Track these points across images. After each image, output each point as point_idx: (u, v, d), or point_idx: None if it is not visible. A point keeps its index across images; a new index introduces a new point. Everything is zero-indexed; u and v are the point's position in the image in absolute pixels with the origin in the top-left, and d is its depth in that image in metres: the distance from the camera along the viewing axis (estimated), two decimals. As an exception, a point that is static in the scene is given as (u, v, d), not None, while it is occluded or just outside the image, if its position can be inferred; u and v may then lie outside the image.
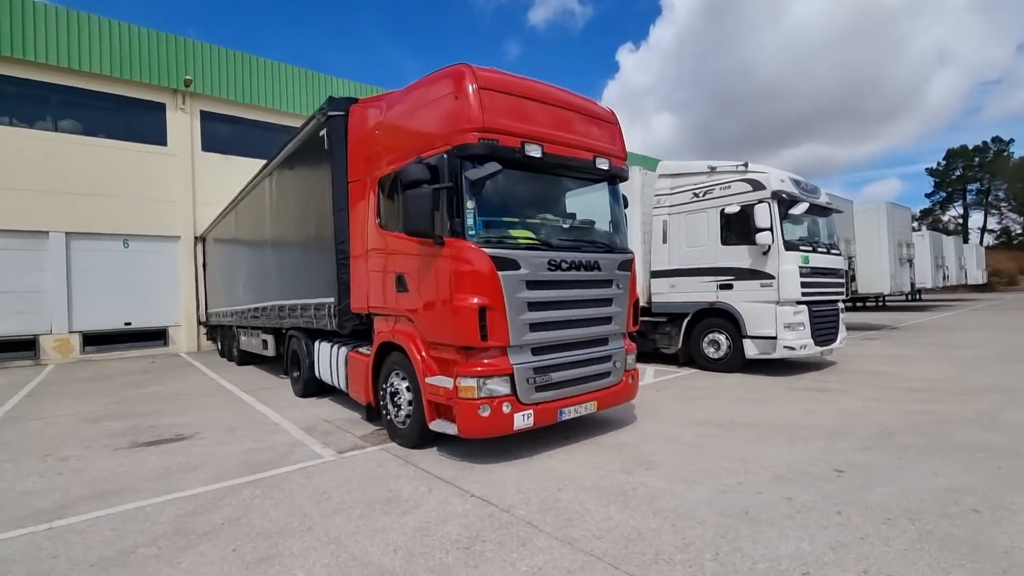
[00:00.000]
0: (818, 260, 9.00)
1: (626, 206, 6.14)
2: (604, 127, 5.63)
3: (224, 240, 14.39)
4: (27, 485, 4.71)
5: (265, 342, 10.64)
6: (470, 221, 4.58)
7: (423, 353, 4.99)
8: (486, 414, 4.51)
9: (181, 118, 18.40)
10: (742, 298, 8.87)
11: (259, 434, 6.21)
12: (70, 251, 16.47)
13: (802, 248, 8.77)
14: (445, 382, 4.68)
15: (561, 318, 4.98)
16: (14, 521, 3.89)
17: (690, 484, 4.11)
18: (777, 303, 8.47)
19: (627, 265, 5.63)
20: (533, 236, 4.96)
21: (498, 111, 4.67)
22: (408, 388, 5.26)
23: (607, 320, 5.45)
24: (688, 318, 9.61)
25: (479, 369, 4.54)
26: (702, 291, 9.41)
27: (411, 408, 5.22)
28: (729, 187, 9.12)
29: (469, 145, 4.53)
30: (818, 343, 8.79)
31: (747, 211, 8.62)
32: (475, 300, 4.46)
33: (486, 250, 4.50)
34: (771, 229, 8.41)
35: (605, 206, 5.83)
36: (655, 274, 10.20)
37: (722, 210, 9.11)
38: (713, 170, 9.55)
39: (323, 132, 6.72)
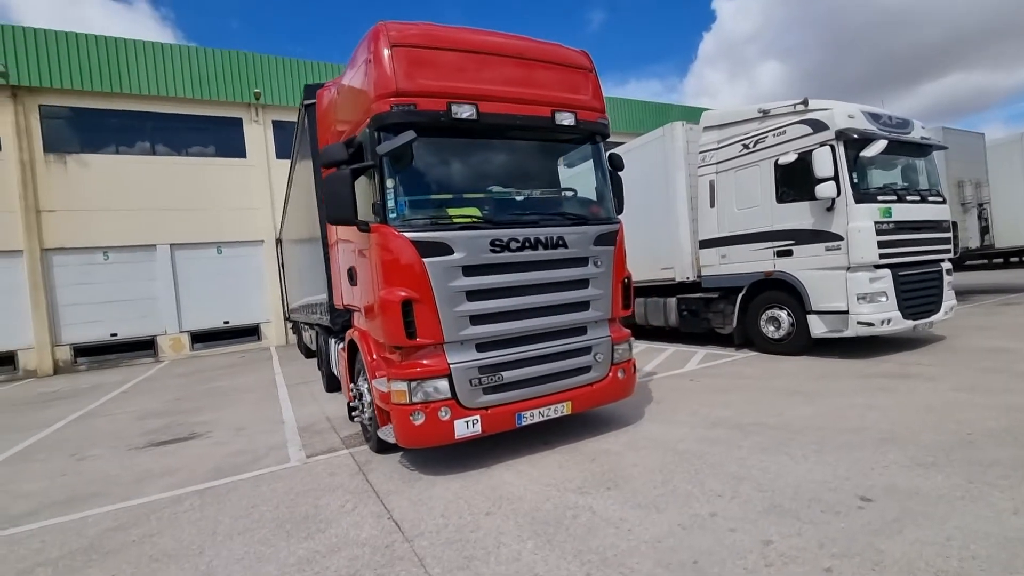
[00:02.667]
0: (906, 212, 7.13)
1: (619, 168, 5.14)
2: (569, 75, 4.70)
3: (287, 240, 15.20)
4: (28, 486, 5.05)
5: (311, 337, 10.99)
6: (391, 203, 4.00)
7: (374, 354, 4.55)
8: (419, 421, 3.96)
9: (256, 129, 19.73)
10: (804, 265, 7.32)
11: (258, 434, 6.23)
12: (175, 260, 18.48)
13: (882, 198, 6.98)
14: (383, 385, 4.20)
15: (513, 307, 4.25)
16: (-20, 527, 4.11)
17: (649, 512, 3.25)
18: (847, 269, 6.85)
19: (608, 238, 4.70)
20: (476, 214, 4.26)
21: (419, 71, 4.01)
22: (368, 390, 4.87)
23: (582, 305, 4.60)
24: (742, 292, 8.20)
25: (411, 371, 4.00)
26: (757, 260, 7.94)
27: (372, 411, 4.83)
28: (784, 132, 7.52)
29: (383, 115, 3.94)
30: (909, 315, 7.00)
31: (805, 159, 7.03)
32: (398, 293, 3.90)
33: (407, 234, 3.90)
34: (836, 178, 6.78)
35: (581, 170, 4.93)
36: (703, 244, 8.84)
37: (776, 161, 7.55)
38: (766, 114, 7.96)
39: (305, 123, 6.52)
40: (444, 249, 3.97)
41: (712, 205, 8.63)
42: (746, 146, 8.05)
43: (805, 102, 7.40)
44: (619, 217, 5.00)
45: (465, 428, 4.06)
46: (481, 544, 3.06)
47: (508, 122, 4.28)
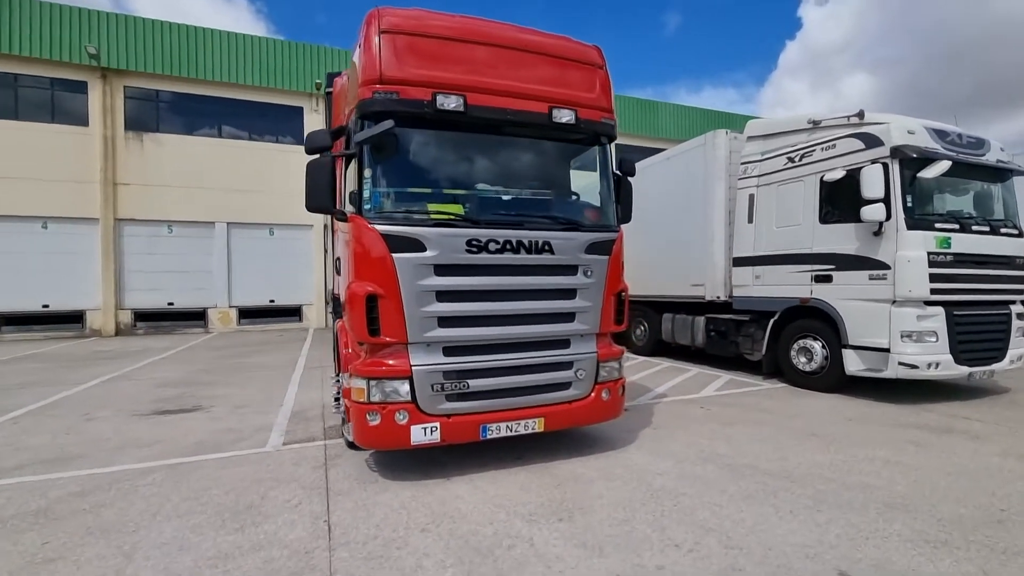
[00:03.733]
0: (971, 243, 6.26)
1: (629, 173, 4.77)
2: (574, 70, 4.39)
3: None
4: (31, 440, 5.31)
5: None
6: (367, 193, 3.86)
7: (350, 347, 4.43)
8: (375, 422, 3.79)
9: (316, 119, 20.40)
10: (844, 294, 6.60)
11: (253, 414, 6.31)
12: (230, 238, 19.46)
13: (940, 226, 6.16)
14: (347, 380, 4.07)
15: (486, 312, 4.00)
16: (-32, 475, 4.33)
17: (591, 554, 2.92)
18: (892, 302, 6.10)
19: (603, 247, 4.35)
20: (459, 211, 4.04)
21: (407, 58, 3.84)
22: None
23: (567, 317, 4.28)
24: (775, 318, 7.53)
25: (371, 369, 3.83)
26: (793, 284, 7.26)
27: (347, 405, 4.73)
28: (834, 146, 6.82)
29: (365, 102, 3.81)
30: (965, 361, 6.15)
31: (854, 176, 6.32)
32: (365, 287, 3.75)
33: (378, 227, 3.74)
34: (887, 199, 6.05)
35: (581, 172, 4.61)
36: (738, 261, 8.21)
37: (821, 177, 6.86)
38: (816, 125, 7.27)
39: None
40: (416, 245, 3.77)
41: (750, 220, 7.99)
42: (791, 159, 7.38)
43: (860, 114, 6.68)
44: (620, 226, 4.62)
45: (422, 435, 3.85)
46: (399, 565, 2.84)
47: (499, 116, 4.03)
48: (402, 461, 4.40)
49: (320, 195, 3.91)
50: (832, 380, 6.83)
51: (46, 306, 17.77)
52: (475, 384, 3.98)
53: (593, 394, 4.39)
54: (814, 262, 6.97)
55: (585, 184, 4.69)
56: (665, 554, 2.90)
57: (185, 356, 12.15)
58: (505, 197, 4.33)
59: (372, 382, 3.80)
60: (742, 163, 8.17)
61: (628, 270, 10.65)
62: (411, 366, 3.83)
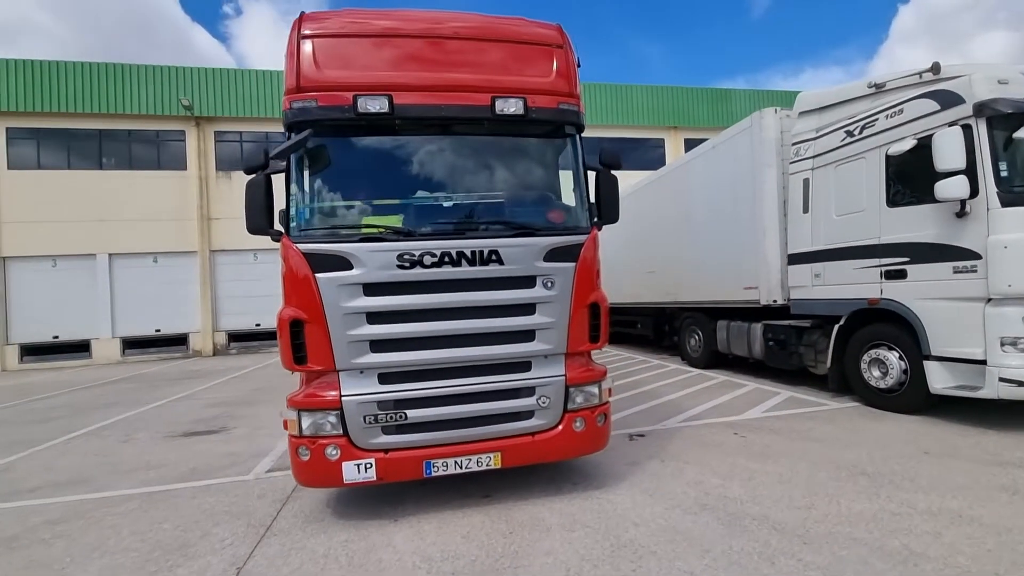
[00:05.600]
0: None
1: (612, 165, 4.08)
2: (524, 53, 3.85)
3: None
4: (62, 462, 5.71)
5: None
6: (293, 211, 3.61)
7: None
8: (305, 458, 3.49)
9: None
10: (922, 292, 5.30)
11: (263, 436, 6.34)
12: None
13: (1051, 199, 4.71)
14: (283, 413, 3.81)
15: (425, 333, 3.56)
16: (-17, 498, 4.67)
17: (491, 636, 2.35)
18: (987, 301, 4.75)
19: (566, 253, 3.74)
20: (389, 224, 3.67)
21: (327, 62, 3.57)
22: None
23: (525, 336, 3.72)
24: (840, 323, 6.28)
25: (301, 399, 3.55)
26: (859, 282, 6.01)
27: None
28: (901, 111, 5.55)
29: (285, 114, 3.58)
30: (1102, 377, 4.61)
31: (927, 145, 5.06)
32: (288, 311, 3.49)
33: (301, 246, 3.47)
34: (970, 170, 4.76)
35: (537, 167, 4.04)
36: (794, 259, 7.01)
37: (886, 151, 5.61)
38: (879, 89, 6.01)
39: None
40: (341, 263, 3.45)
41: (806, 210, 6.79)
42: (850, 133, 6.15)
43: (935, 68, 5.39)
44: (595, 227, 3.96)
45: (355, 472, 3.48)
46: (270, 632, 2.47)
47: (431, 114, 3.61)
48: (360, 497, 4.07)
49: (255, 216, 3.69)
50: (914, 399, 5.50)
51: (158, 330, 20.03)
52: (415, 415, 3.55)
53: (562, 425, 3.76)
54: (883, 255, 5.70)
55: (553, 183, 4.11)
56: (582, 645, 2.26)
57: (256, 375, 12.93)
58: (445, 204, 3.87)
59: (302, 414, 3.51)
60: (793, 144, 7.00)
61: (677, 273, 9.78)
62: (341, 396, 3.49)
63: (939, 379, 5.15)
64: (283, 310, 3.53)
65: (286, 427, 3.71)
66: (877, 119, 5.81)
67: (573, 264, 3.75)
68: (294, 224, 3.59)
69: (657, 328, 11.58)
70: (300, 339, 3.47)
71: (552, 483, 4.14)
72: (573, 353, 3.84)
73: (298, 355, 3.48)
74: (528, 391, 3.72)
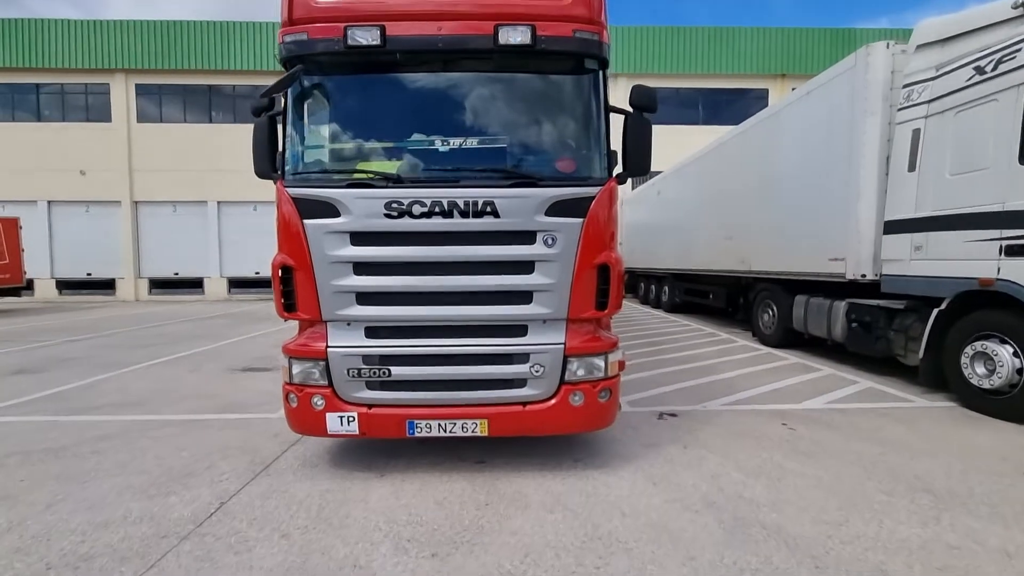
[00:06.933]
0: None
1: (646, 107, 3.50)
2: (536, -26, 3.33)
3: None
4: (136, 385, 6.36)
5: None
6: (288, 154, 3.49)
7: None
8: (294, 405, 3.50)
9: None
10: (1055, 275, 4.17)
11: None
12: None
13: None
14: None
15: (413, 287, 3.35)
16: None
17: (415, 616, 2.18)
18: None
19: (572, 207, 3.29)
20: (380, 169, 3.44)
21: None
22: None
23: (521, 297, 3.38)
24: (941, 307, 5.20)
25: (293, 348, 3.52)
26: (970, 258, 4.88)
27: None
28: (1056, 37, 4.25)
29: (279, 48, 3.40)
30: None
31: (1087, 82, 3.84)
32: (279, 258, 3.43)
33: (291, 191, 3.36)
34: None
35: (549, 107, 3.56)
36: (891, 227, 5.87)
37: (1028, 90, 4.37)
38: (1030, 10, 4.66)
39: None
40: (329, 210, 3.29)
41: (912, 168, 5.60)
42: (980, 69, 4.87)
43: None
44: (612, 177, 3.46)
45: (338, 424, 3.42)
46: (228, 558, 2.49)
47: (428, 46, 3.25)
48: (359, 447, 4.07)
49: (259, 159, 3.62)
50: (1025, 406, 4.46)
51: (257, 273, 21.98)
52: (398, 372, 3.39)
53: (557, 397, 3.42)
54: (1006, 225, 4.55)
55: (568, 126, 3.62)
56: (503, 644, 2.02)
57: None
58: (443, 149, 3.53)
59: (293, 361, 3.49)
60: (905, 86, 5.73)
61: (754, 238, 8.72)
62: (327, 347, 3.41)
63: (1063, 384, 4.09)
64: (275, 256, 3.47)
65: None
66: (1020, 50, 4.52)
67: (580, 220, 3.30)
68: (288, 168, 3.47)
69: (730, 299, 10.58)
70: (291, 286, 3.40)
71: (552, 456, 3.86)
72: (576, 320, 3.45)
73: (288, 303, 3.43)
74: (521, 357, 3.41)
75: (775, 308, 8.47)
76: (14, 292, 17.52)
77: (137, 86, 21.84)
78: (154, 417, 5.05)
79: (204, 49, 21.26)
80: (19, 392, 6.07)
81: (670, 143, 19.46)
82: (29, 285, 18.50)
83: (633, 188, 18.28)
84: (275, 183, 3.61)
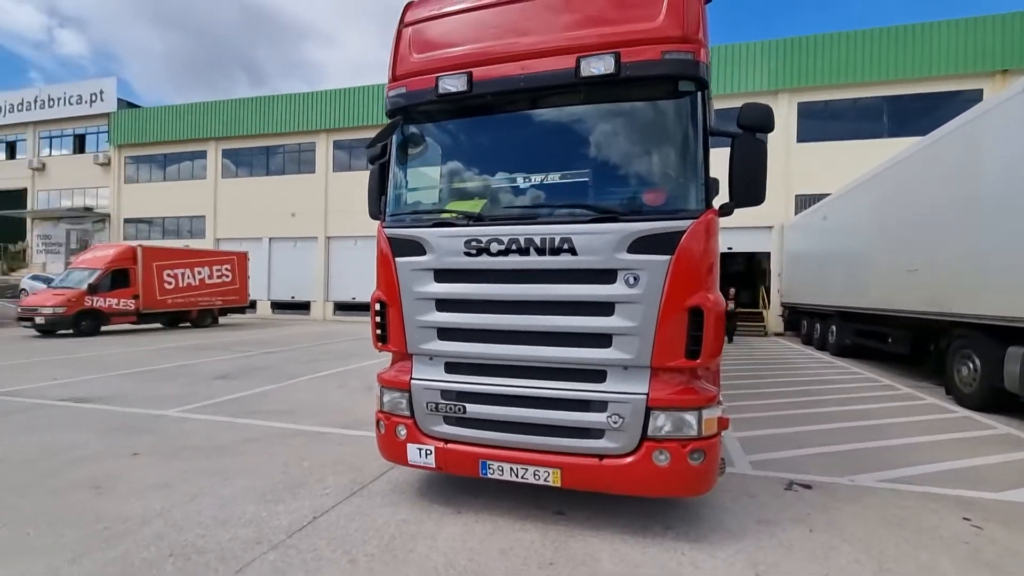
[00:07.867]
0: None
1: (758, 127, 3.11)
2: (624, 2, 3.16)
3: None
4: (298, 396, 7.38)
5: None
6: (388, 197, 3.80)
7: None
8: (382, 431, 3.71)
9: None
10: None
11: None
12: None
13: None
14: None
15: (489, 326, 3.33)
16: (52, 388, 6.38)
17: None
18: None
19: (658, 243, 3.00)
20: (465, 208, 3.53)
21: (419, 47, 3.61)
22: None
23: (600, 341, 3.14)
24: None
25: (385, 377, 3.75)
26: None
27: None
28: None
29: (385, 102, 3.76)
30: None
31: None
32: (376, 293, 3.72)
33: (387, 231, 3.64)
34: None
35: (640, 136, 3.30)
36: None
37: None
38: None
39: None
40: (415, 248, 3.49)
41: None
42: None
43: None
44: (711, 209, 3.08)
45: (418, 455, 3.53)
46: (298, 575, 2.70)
47: (511, 87, 3.29)
48: (448, 481, 4.12)
49: (372, 203, 4.00)
50: None
51: (353, 298, 24.67)
52: (473, 410, 3.38)
53: (637, 454, 3.07)
54: None
55: (660, 155, 3.33)
56: None
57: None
58: (523, 185, 3.48)
59: (384, 390, 3.72)
60: None
61: (949, 273, 7.03)
62: (411, 379, 3.56)
63: None
64: (373, 292, 3.76)
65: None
66: None
67: (667, 257, 2.99)
68: (389, 210, 3.76)
69: (916, 346, 8.61)
70: (384, 320, 3.65)
71: (639, 518, 3.46)
72: (663, 368, 3.09)
73: (381, 335, 3.68)
74: (599, 405, 3.16)
75: (978, 361, 6.64)
76: (240, 310, 22.04)
77: (335, 142, 26.19)
78: (294, 426, 5.77)
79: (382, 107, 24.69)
80: (213, 394, 7.45)
81: (845, 160, 16.92)
82: (252, 305, 23.18)
83: (796, 213, 16.20)
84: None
